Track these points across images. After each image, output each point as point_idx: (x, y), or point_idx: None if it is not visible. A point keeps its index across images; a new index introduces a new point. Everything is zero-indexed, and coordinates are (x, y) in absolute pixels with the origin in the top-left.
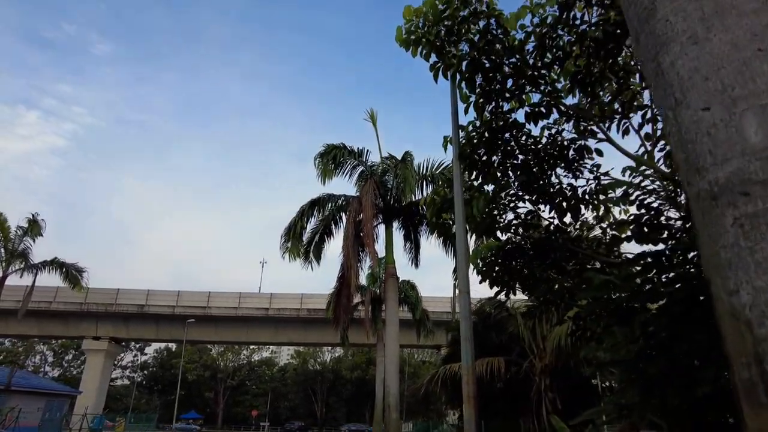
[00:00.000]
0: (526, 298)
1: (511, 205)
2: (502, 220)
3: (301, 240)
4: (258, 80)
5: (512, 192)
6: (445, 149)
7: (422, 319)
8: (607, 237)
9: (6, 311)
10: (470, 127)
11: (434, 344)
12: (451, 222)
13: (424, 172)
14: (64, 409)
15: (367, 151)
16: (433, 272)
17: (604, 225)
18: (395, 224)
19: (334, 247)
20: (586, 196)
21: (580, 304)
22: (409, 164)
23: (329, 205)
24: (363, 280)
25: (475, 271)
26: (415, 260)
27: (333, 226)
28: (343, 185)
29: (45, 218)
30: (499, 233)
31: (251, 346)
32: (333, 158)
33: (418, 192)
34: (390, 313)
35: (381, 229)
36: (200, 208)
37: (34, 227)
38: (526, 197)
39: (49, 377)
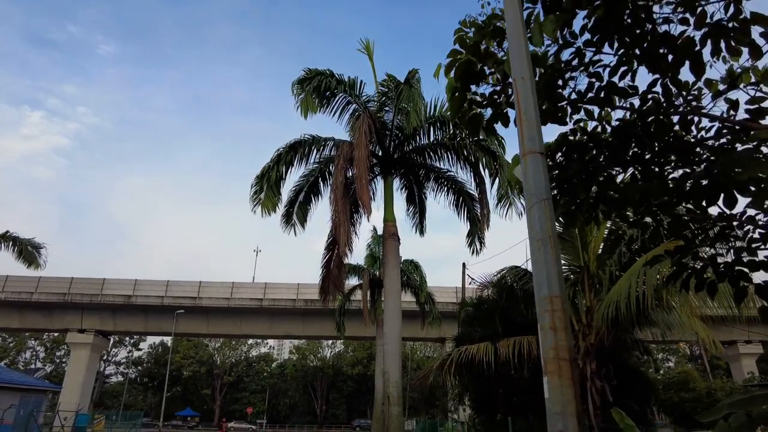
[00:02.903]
0: (564, 262)
1: (586, 58)
2: (567, 92)
3: (278, 192)
4: (262, 78)
5: (590, 26)
6: None
7: (427, 305)
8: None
9: None
10: None
11: (439, 337)
12: (481, 100)
13: (431, 112)
14: (41, 406)
15: (362, 82)
16: (437, 268)
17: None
18: (396, 182)
19: (323, 216)
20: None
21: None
22: (415, 85)
23: (314, 154)
24: (362, 260)
25: (516, 190)
26: (420, 225)
27: (321, 184)
28: (332, 127)
29: (49, 217)
30: (561, 116)
31: (249, 342)
32: (317, 88)
33: (424, 136)
34: (390, 280)
35: (379, 190)
36: (202, 205)
37: None
38: (614, 37)
39: (43, 372)
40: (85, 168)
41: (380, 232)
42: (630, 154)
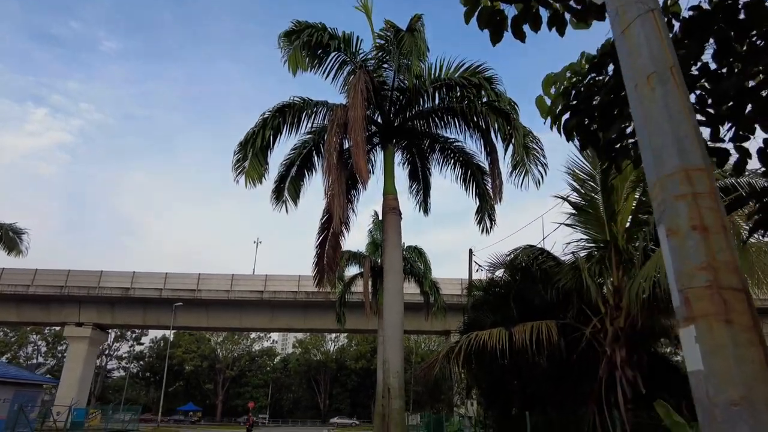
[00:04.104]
0: (586, 237)
1: None
2: None
3: (265, 161)
4: (264, 74)
5: None
6: None
7: (431, 293)
8: None
9: None
10: None
11: (443, 329)
12: None
13: (437, 74)
14: (37, 401)
15: (359, 38)
16: (439, 264)
17: None
18: (398, 156)
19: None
20: None
21: None
22: (419, 29)
23: (305, 122)
24: (362, 248)
25: (548, 119)
26: (424, 204)
27: (315, 157)
28: (330, 95)
29: (52, 213)
30: None
31: (252, 336)
32: (306, 44)
33: (428, 100)
34: (390, 259)
35: (379, 163)
36: (204, 199)
37: None
38: None
39: (47, 367)
40: (88, 164)
41: (381, 216)
42: (700, 65)
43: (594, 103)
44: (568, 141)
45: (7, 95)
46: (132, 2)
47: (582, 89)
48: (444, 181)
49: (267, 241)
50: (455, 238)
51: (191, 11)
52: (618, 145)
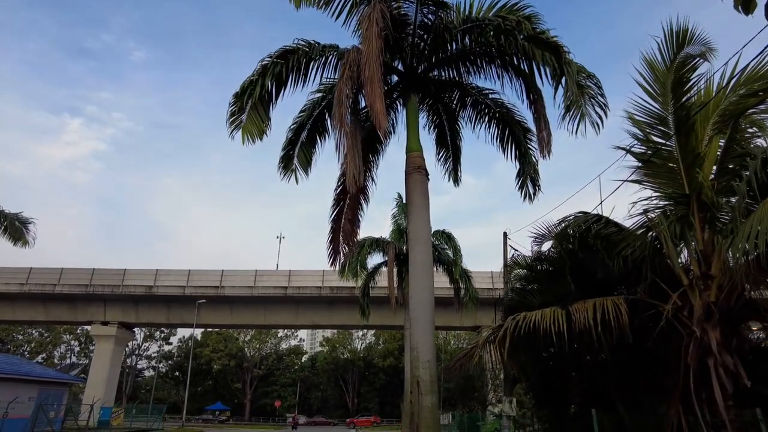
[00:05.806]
0: (657, 193)
1: None
2: None
3: (266, 115)
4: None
5: None
6: None
7: (462, 282)
8: None
9: (10, 295)
10: None
11: (474, 325)
12: None
13: (467, 13)
14: (62, 399)
15: None
16: (469, 261)
17: None
18: (423, 119)
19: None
20: None
21: None
22: None
23: (314, 72)
24: (385, 231)
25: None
26: (454, 173)
27: (328, 120)
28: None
29: (86, 220)
30: None
31: (279, 334)
32: None
33: (457, 43)
34: (416, 226)
35: (401, 123)
36: (231, 201)
37: None
38: None
39: (81, 366)
40: (120, 171)
41: (404, 199)
42: None
43: None
44: None
45: (46, 108)
46: (159, 12)
47: None
48: (468, 177)
49: (290, 238)
50: (481, 235)
51: (214, 19)
52: None
